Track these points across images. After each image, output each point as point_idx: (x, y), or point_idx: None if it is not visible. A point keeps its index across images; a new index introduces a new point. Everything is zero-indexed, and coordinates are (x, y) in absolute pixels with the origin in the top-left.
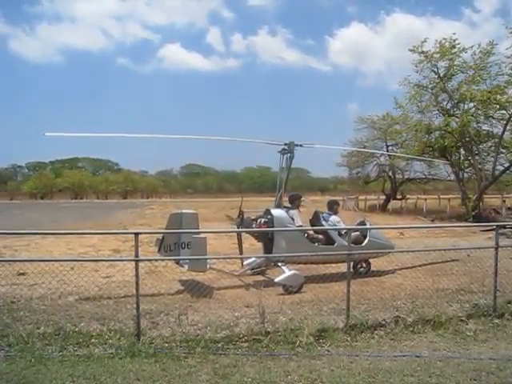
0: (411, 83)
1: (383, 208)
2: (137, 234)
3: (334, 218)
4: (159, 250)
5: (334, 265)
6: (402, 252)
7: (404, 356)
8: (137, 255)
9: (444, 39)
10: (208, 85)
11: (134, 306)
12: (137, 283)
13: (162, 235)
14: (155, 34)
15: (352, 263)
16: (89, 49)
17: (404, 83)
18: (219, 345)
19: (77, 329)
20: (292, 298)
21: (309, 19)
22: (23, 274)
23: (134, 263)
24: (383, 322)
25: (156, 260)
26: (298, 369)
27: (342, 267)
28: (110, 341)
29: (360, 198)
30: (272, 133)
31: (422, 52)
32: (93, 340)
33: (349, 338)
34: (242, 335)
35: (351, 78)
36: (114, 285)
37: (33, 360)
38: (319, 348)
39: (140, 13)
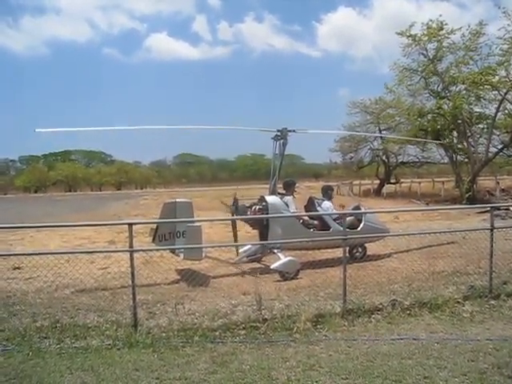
0: (400, 67)
1: (377, 192)
2: (130, 225)
3: (325, 203)
4: (154, 240)
5: (329, 250)
6: (397, 236)
7: (401, 339)
8: (131, 246)
9: (431, 21)
10: (197, 73)
11: (131, 296)
12: (132, 274)
13: (156, 225)
14: (142, 24)
15: (348, 248)
16: (75, 40)
17: (393, 68)
18: (217, 333)
19: (74, 321)
20: (288, 285)
21: (295, 4)
22: (18, 268)
23: (129, 254)
24: (380, 306)
25: (151, 250)
26: (296, 355)
27: (338, 252)
28: (108, 332)
29: (354, 182)
30: (263, 119)
31: (410, 35)
32: (90, 332)
33: (346, 323)
34: (239, 323)
35: (341, 63)
36: (109, 276)
37: (30, 353)
38: (317, 333)
39: (126, 2)
